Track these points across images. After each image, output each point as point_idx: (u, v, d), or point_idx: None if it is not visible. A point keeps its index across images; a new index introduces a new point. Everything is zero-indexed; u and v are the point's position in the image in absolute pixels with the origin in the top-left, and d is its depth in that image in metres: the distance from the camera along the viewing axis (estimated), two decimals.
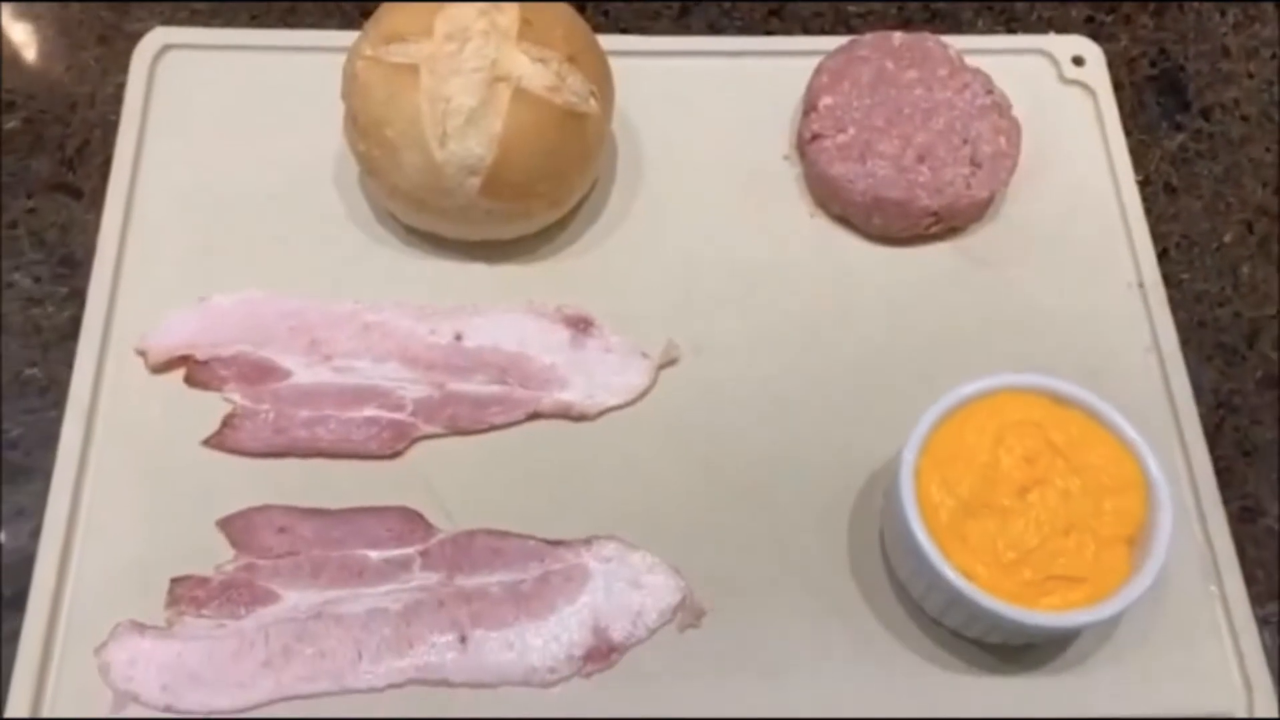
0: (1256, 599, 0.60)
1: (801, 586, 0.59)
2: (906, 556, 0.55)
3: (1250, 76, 0.76)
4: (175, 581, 0.57)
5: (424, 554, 0.58)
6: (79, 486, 0.59)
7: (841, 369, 0.64)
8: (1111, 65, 0.74)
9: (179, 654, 0.56)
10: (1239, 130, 0.74)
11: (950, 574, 0.52)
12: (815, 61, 0.70)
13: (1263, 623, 0.59)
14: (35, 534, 0.59)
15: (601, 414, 0.62)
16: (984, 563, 0.53)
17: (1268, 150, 0.73)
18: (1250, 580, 0.60)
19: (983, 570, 0.53)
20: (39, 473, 0.60)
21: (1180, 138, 0.74)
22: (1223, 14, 0.78)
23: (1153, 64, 0.76)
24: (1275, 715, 0.56)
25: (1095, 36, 0.75)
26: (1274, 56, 0.77)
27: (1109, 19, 0.78)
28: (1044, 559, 0.53)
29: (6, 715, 0.54)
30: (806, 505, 0.60)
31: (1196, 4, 0.79)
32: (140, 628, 0.56)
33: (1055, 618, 0.52)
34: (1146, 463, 0.55)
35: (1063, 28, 0.77)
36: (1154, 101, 0.75)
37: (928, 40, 0.69)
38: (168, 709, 0.55)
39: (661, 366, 0.64)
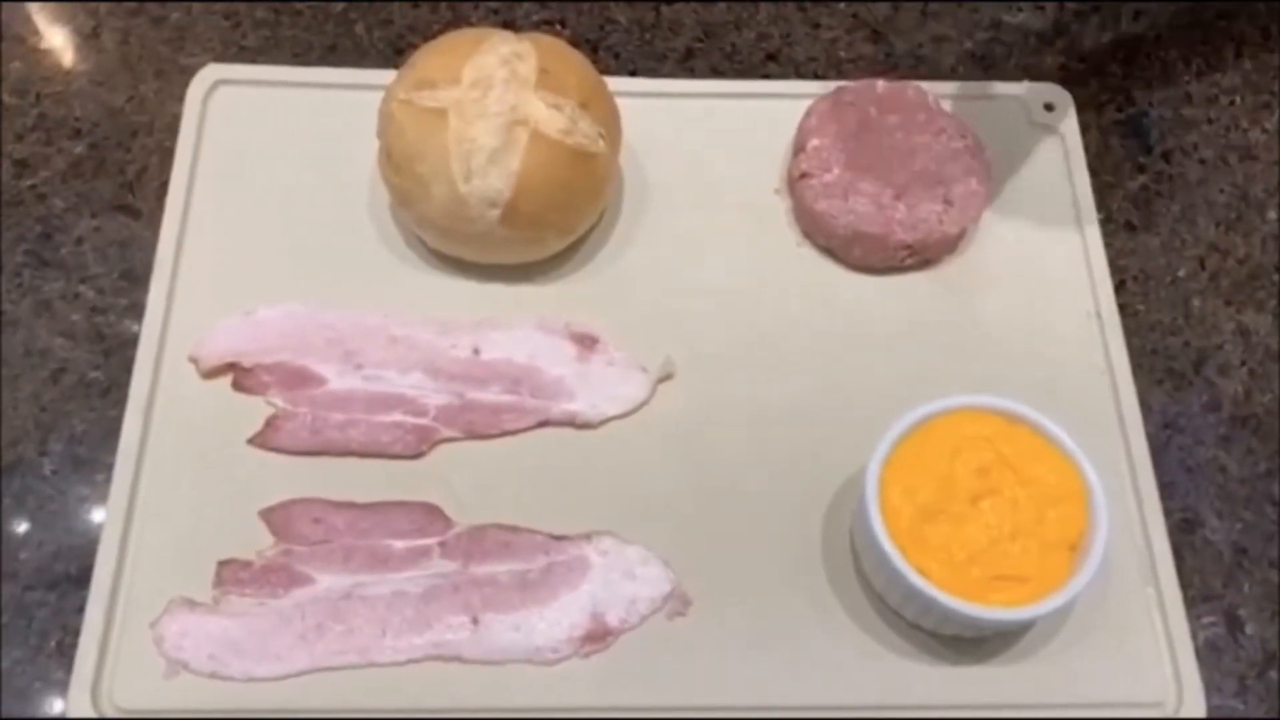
0: (1191, 602, 0.64)
1: (778, 580, 0.63)
2: (871, 555, 0.61)
3: (1210, 122, 0.81)
4: (221, 564, 0.62)
5: (442, 544, 0.63)
6: (137, 478, 0.64)
7: (820, 385, 0.69)
8: (1080, 110, 0.79)
9: (224, 628, 0.60)
10: (1196, 173, 0.79)
11: (908, 571, 0.58)
12: (806, 105, 0.74)
13: (1196, 623, 0.64)
14: (98, 519, 0.64)
15: (603, 422, 0.67)
16: (939, 562, 0.58)
17: (1222, 192, 0.78)
18: (1186, 585, 0.64)
19: (937, 569, 0.58)
20: (101, 465, 0.65)
21: (1141, 179, 0.78)
22: (1187, 63, 0.83)
23: (1119, 109, 0.81)
24: (1200, 703, 0.61)
25: (1066, 83, 0.80)
26: (1232, 104, 0.82)
27: (1081, 67, 0.82)
28: (992, 560, 0.58)
29: (74, 677, 0.59)
30: (785, 507, 0.65)
31: (1163, 54, 0.84)
32: (190, 604, 0.61)
33: (1000, 612, 0.58)
34: (1088, 475, 0.60)
35: (1037, 74, 0.81)
36: (1119, 145, 0.79)
37: (908, 88, 0.74)
38: (213, 675, 0.59)
39: (659, 380, 0.68)
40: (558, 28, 0.82)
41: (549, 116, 0.65)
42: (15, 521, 0.65)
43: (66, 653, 0.61)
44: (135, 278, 0.71)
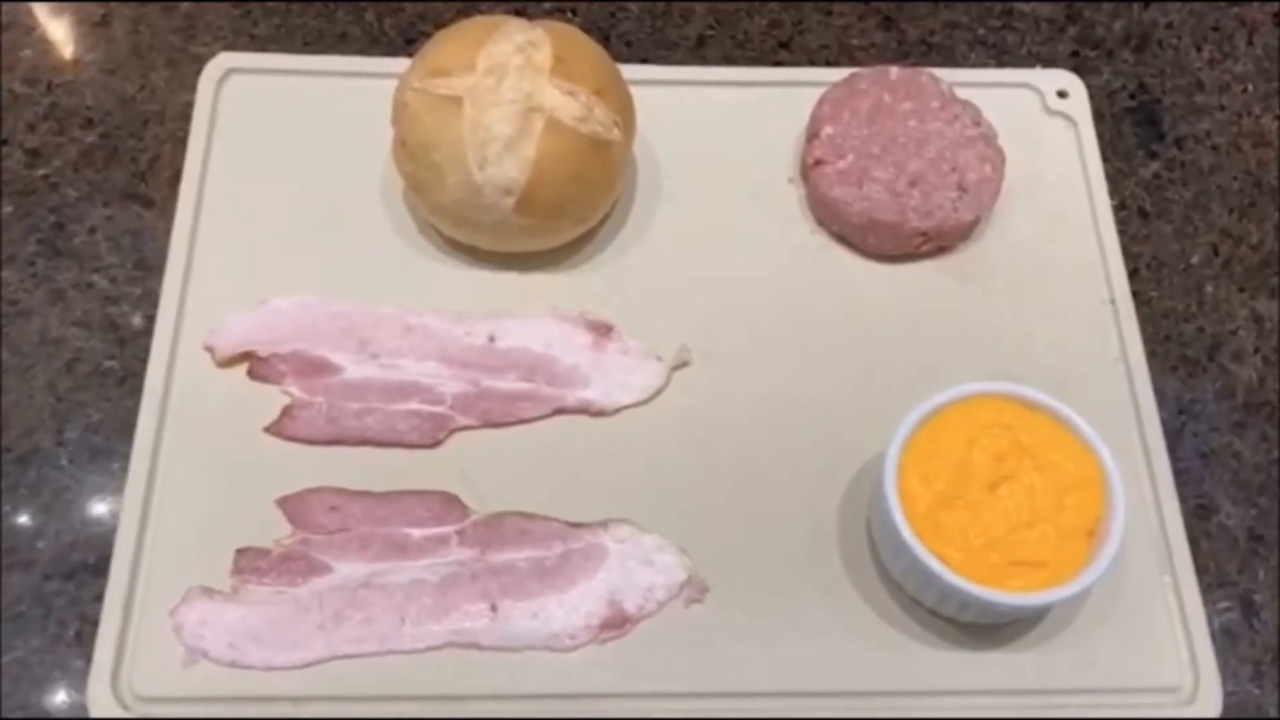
0: (1207, 588, 0.64)
1: (795, 567, 0.63)
2: (888, 541, 0.61)
3: (1222, 109, 0.81)
4: (239, 552, 0.62)
5: (460, 533, 0.63)
6: (153, 467, 0.64)
7: (836, 373, 0.69)
8: (1093, 97, 0.79)
9: (243, 616, 0.61)
10: (1209, 159, 0.79)
11: (926, 557, 0.58)
12: (819, 92, 0.74)
13: (1211, 609, 0.64)
14: (115, 509, 0.64)
15: (619, 411, 0.67)
16: (956, 548, 0.58)
17: (1235, 178, 0.78)
18: (1202, 571, 0.65)
19: (955, 555, 0.58)
20: (117, 454, 0.65)
21: (1154, 166, 0.78)
22: (1199, 50, 0.83)
23: (1132, 96, 0.81)
24: (1216, 689, 0.62)
25: (1079, 70, 0.80)
26: (1245, 90, 0.82)
27: (1093, 54, 0.83)
28: (1009, 546, 0.58)
29: (93, 666, 0.59)
30: (801, 495, 0.65)
31: (1175, 41, 0.84)
32: (209, 592, 0.61)
33: (1018, 597, 0.58)
34: (1105, 462, 0.60)
35: (1050, 61, 0.81)
36: (1131, 132, 0.79)
37: (922, 75, 0.74)
38: (233, 664, 0.60)
39: (673, 369, 0.68)
40: (569, 15, 0.82)
41: (564, 104, 0.65)
42: (32, 511, 0.65)
43: (85, 642, 0.61)
44: (148, 267, 0.71)
